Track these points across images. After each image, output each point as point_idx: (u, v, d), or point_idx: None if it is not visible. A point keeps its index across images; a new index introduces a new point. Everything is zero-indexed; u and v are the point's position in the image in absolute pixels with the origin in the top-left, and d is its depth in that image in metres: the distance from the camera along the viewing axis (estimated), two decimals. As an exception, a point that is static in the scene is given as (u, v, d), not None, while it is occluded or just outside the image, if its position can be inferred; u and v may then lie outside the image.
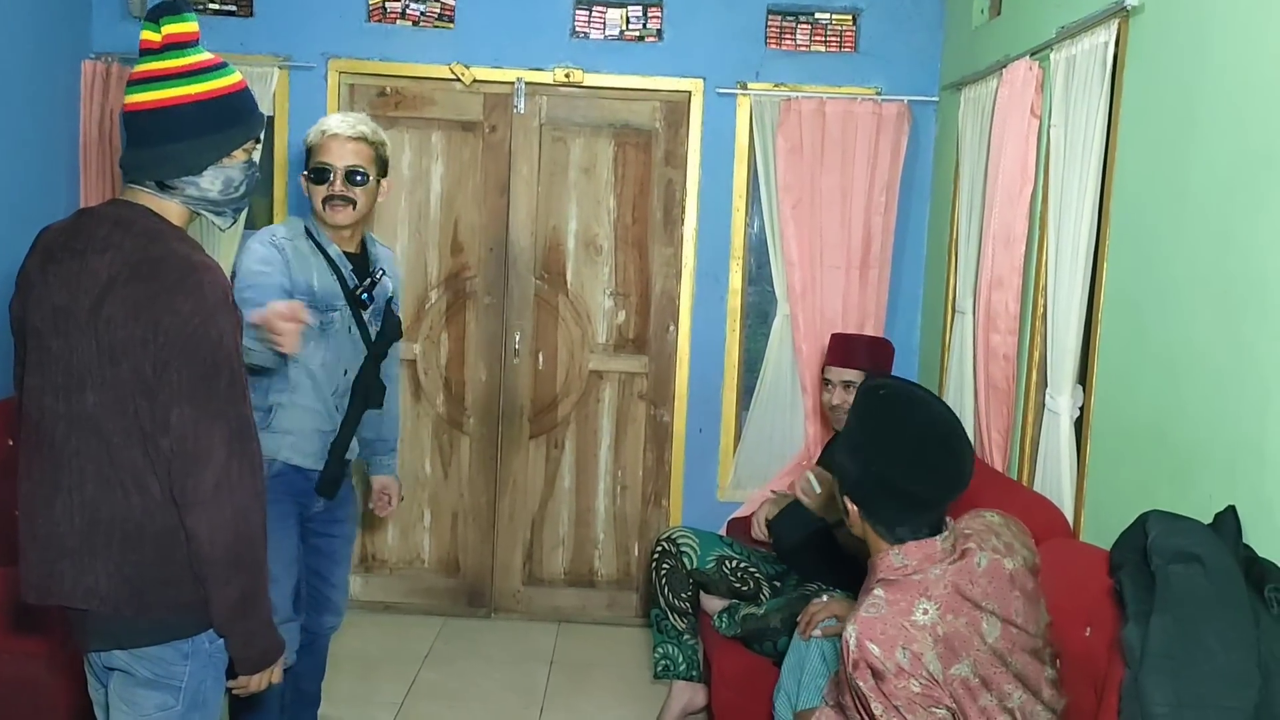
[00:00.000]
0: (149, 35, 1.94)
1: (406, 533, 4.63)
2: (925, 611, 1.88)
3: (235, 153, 2.01)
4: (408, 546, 4.65)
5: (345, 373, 2.89)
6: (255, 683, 2.04)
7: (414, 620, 4.52)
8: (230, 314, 1.94)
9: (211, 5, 4.39)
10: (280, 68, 4.31)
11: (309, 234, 2.87)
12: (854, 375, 3.56)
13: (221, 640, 1.99)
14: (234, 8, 4.39)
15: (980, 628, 1.91)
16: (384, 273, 2.95)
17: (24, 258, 2.02)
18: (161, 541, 1.92)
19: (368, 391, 2.94)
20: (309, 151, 2.86)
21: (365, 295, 2.87)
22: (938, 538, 1.97)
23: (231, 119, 2.00)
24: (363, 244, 2.99)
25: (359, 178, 2.83)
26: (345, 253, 2.90)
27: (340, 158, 2.81)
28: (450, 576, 4.65)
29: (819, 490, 3.23)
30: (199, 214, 2.04)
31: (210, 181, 1.99)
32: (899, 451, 1.97)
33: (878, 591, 1.93)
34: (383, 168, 2.92)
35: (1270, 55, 2.12)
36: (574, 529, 4.64)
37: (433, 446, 4.58)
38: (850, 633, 1.88)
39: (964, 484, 2.00)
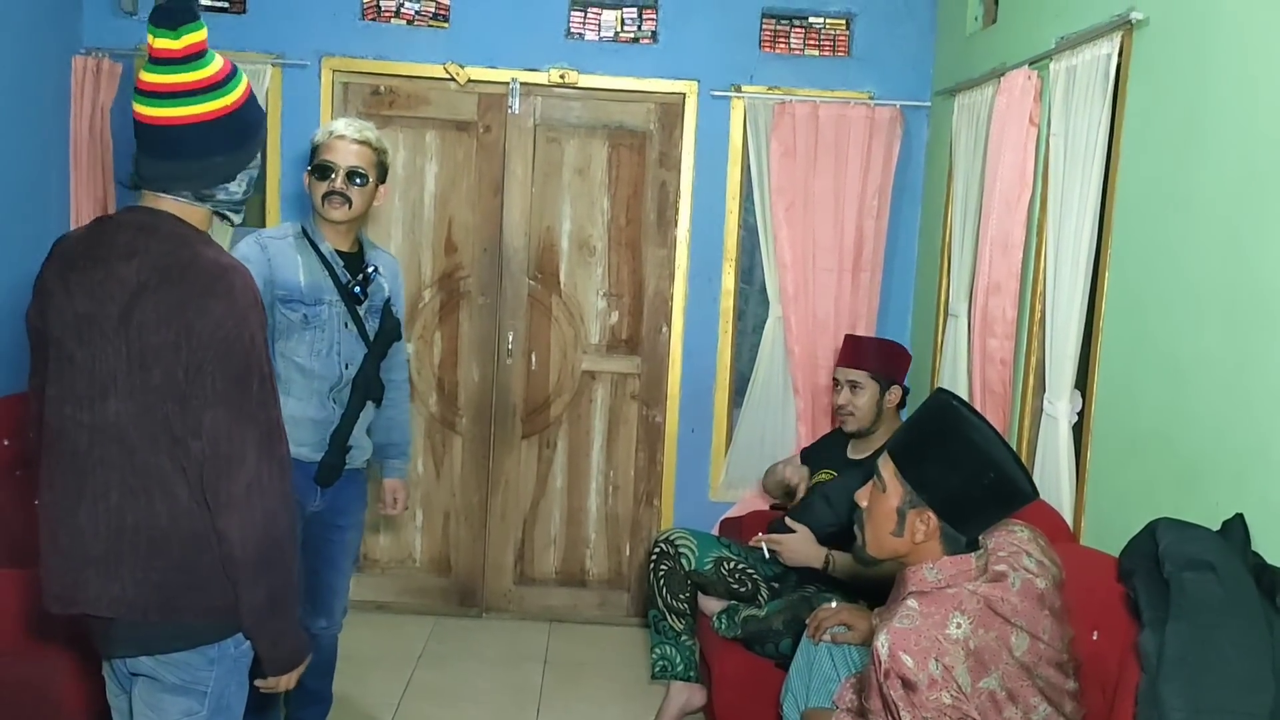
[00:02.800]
0: (167, 44, 1.90)
1: (398, 532, 4.63)
2: (959, 625, 1.91)
3: (257, 154, 2.07)
4: (399, 546, 4.65)
5: (346, 366, 2.99)
6: (284, 682, 2.06)
7: (405, 620, 4.53)
8: (260, 315, 1.95)
9: (203, 1, 4.36)
10: (274, 65, 4.29)
11: (305, 233, 2.99)
12: (859, 376, 3.56)
13: (246, 645, 2.01)
14: (226, 4, 4.38)
15: (1009, 641, 1.94)
16: (377, 269, 3.06)
17: (41, 266, 2.02)
18: (188, 547, 1.92)
19: (367, 386, 3.04)
20: (315, 150, 2.99)
21: (358, 289, 2.99)
22: (973, 555, 2.00)
23: (255, 125, 2.05)
24: (359, 244, 3.09)
25: (358, 179, 2.96)
26: (341, 251, 3.02)
27: (344, 158, 2.95)
28: (442, 576, 4.65)
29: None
30: (223, 215, 2.06)
31: (238, 185, 2.04)
32: (993, 458, 1.97)
33: (911, 603, 1.95)
34: (382, 173, 3.05)
35: (1277, 70, 2.17)
36: (566, 529, 4.66)
37: (425, 446, 4.58)
38: (883, 643, 1.90)
39: (1034, 486, 2.05)
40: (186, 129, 1.93)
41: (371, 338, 3.03)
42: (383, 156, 3.03)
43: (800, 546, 3.36)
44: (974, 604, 1.94)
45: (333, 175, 2.93)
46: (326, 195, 2.93)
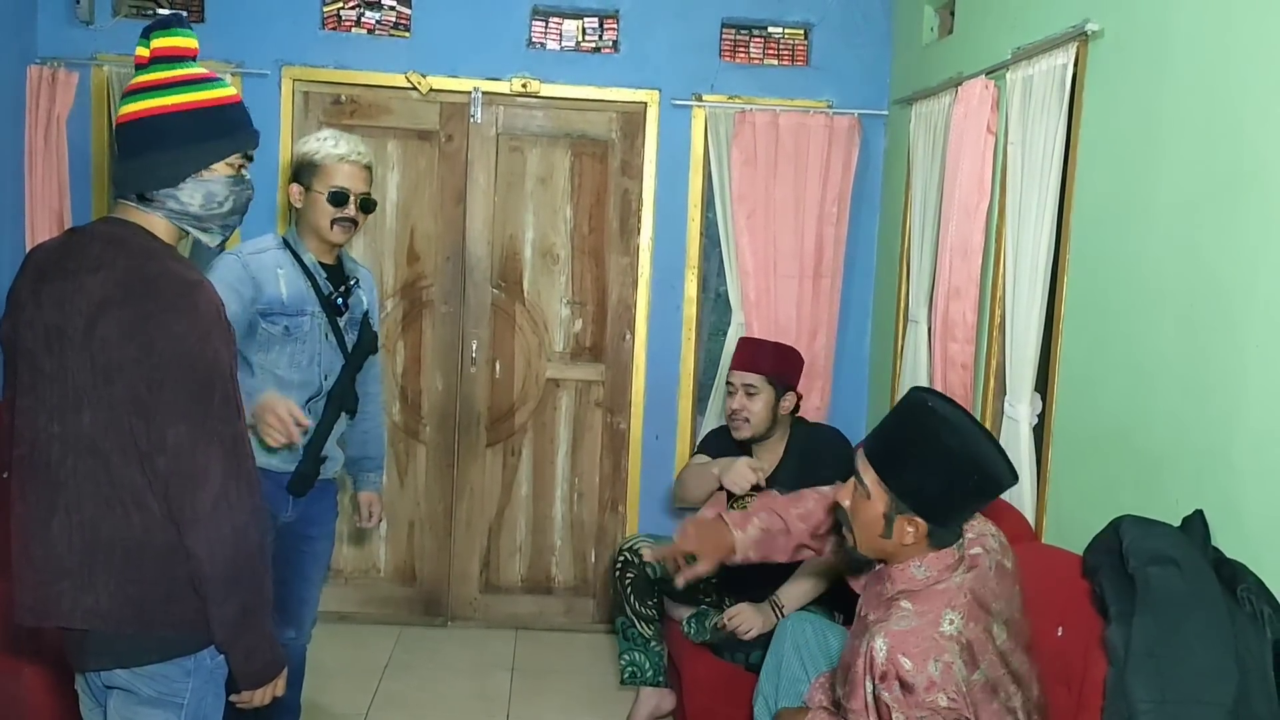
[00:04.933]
0: (141, 50, 1.95)
1: (362, 542, 4.61)
2: (951, 621, 1.94)
3: (216, 165, 1.97)
4: (363, 556, 4.63)
5: (325, 378, 2.99)
6: (258, 697, 2.05)
7: (370, 630, 4.51)
8: (224, 331, 1.94)
9: (161, 10, 4.34)
10: (233, 75, 4.26)
11: (286, 244, 2.97)
12: (755, 380, 3.41)
13: (222, 656, 1.99)
14: (185, 12, 4.34)
15: (992, 632, 1.99)
16: (358, 282, 3.07)
17: (14, 277, 2.01)
18: (163, 559, 1.91)
19: (342, 398, 3.03)
20: (312, 167, 2.93)
21: (340, 300, 2.99)
22: (954, 547, 2.04)
23: (214, 131, 1.97)
24: (338, 257, 3.09)
25: (369, 205, 3.01)
26: (323, 263, 3.01)
27: (356, 184, 2.96)
28: (407, 585, 4.64)
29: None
30: (186, 231, 2.02)
31: (190, 195, 1.96)
32: (970, 453, 1.98)
33: (904, 604, 1.98)
34: None
35: (1230, 82, 2.24)
36: (531, 536, 4.66)
37: (389, 455, 4.56)
38: (880, 646, 1.92)
39: (1013, 467, 2.07)
40: (135, 124, 1.92)
41: (350, 350, 3.03)
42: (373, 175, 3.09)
43: (751, 616, 3.23)
44: (963, 599, 1.98)
45: (346, 202, 2.94)
46: (336, 220, 2.93)
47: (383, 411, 3.39)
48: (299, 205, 2.96)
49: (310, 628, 3.23)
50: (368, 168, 2.99)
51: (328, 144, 2.95)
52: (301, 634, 3.19)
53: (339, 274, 3.04)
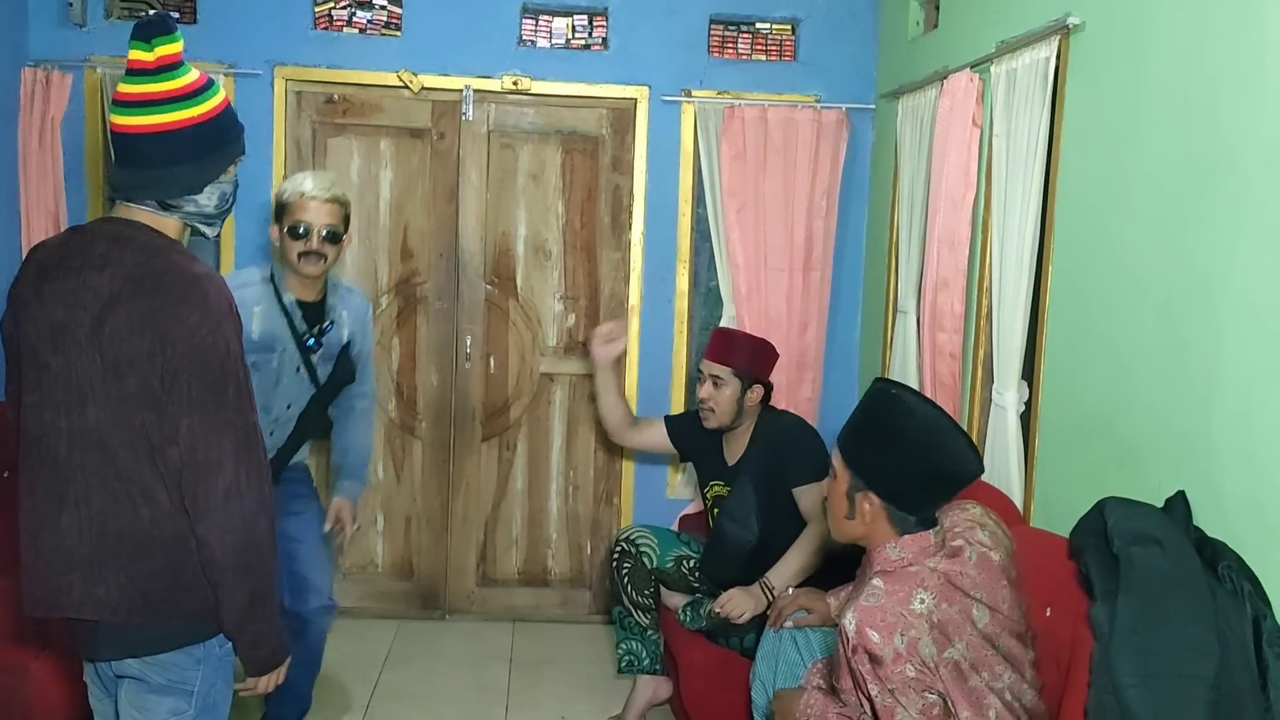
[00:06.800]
0: (141, 55, 1.96)
1: (359, 537, 4.64)
2: (922, 601, 2.01)
3: (229, 168, 2.08)
4: (361, 551, 4.67)
5: (289, 406, 3.12)
6: (263, 684, 2.10)
7: (369, 624, 4.55)
8: (234, 323, 1.99)
9: (154, 11, 4.37)
10: (225, 75, 4.29)
11: (271, 279, 3.10)
12: (723, 372, 3.47)
13: (230, 644, 2.04)
14: (178, 14, 4.37)
15: (971, 614, 2.05)
16: (333, 323, 3.18)
17: (16, 275, 2.05)
18: (171, 550, 1.96)
19: (306, 426, 3.18)
20: (284, 207, 3.08)
21: (312, 341, 3.12)
22: (930, 532, 2.11)
23: (225, 138, 2.07)
24: (324, 291, 3.20)
25: (334, 237, 3.11)
26: (305, 301, 3.13)
27: (318, 217, 3.07)
28: (404, 580, 4.69)
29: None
30: (194, 227, 2.09)
31: (208, 198, 2.05)
32: (931, 439, 2.10)
33: (876, 582, 2.05)
34: (347, 224, 3.19)
35: (1206, 74, 2.30)
36: (527, 529, 4.71)
37: (385, 451, 4.61)
38: (850, 620, 1.99)
39: (980, 462, 2.17)
40: (151, 137, 1.97)
41: (324, 381, 3.15)
42: (349, 209, 3.19)
43: (743, 600, 3.27)
44: (935, 580, 2.05)
45: (308, 236, 3.05)
46: (303, 254, 3.06)
47: (371, 425, 3.52)
48: (277, 244, 3.10)
49: (331, 592, 3.24)
50: (334, 201, 3.10)
51: (294, 183, 3.10)
52: (323, 598, 3.21)
53: (320, 310, 3.14)
